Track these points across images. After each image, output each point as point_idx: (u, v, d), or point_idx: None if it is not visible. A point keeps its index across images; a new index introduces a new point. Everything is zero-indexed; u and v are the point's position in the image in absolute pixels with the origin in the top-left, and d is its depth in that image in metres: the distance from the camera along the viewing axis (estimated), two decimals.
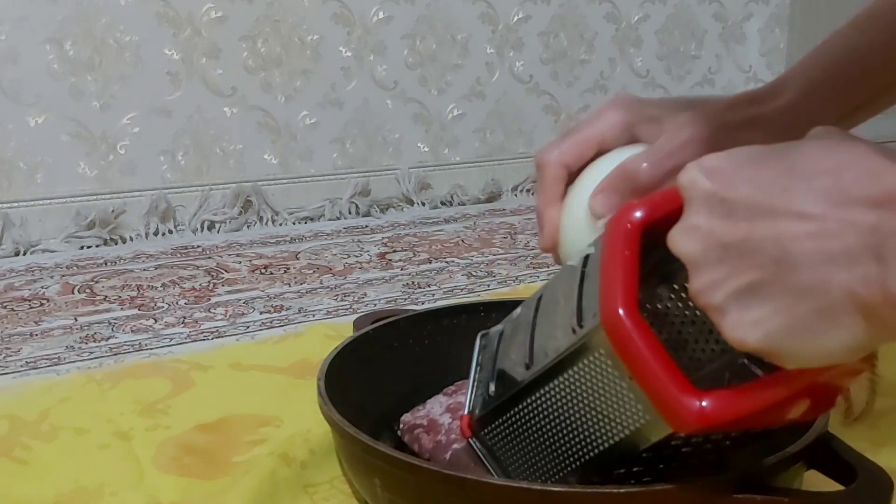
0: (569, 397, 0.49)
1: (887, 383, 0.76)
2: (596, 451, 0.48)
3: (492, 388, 0.55)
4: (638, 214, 0.45)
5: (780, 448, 0.49)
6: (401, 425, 0.63)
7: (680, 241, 0.42)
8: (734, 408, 0.42)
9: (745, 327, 0.39)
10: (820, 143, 0.40)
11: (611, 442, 0.47)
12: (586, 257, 0.48)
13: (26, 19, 1.25)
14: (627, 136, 0.61)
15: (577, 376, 0.48)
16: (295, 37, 1.43)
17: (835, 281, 0.36)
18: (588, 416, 0.48)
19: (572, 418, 0.49)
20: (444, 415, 0.61)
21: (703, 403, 0.42)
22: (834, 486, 0.49)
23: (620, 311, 0.43)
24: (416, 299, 1.06)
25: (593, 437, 0.48)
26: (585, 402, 0.48)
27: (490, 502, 0.48)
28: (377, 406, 0.64)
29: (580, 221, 0.58)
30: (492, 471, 0.54)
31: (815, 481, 0.51)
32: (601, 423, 0.47)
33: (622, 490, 0.47)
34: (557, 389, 0.49)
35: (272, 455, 0.64)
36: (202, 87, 1.38)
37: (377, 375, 0.66)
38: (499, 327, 0.58)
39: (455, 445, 0.58)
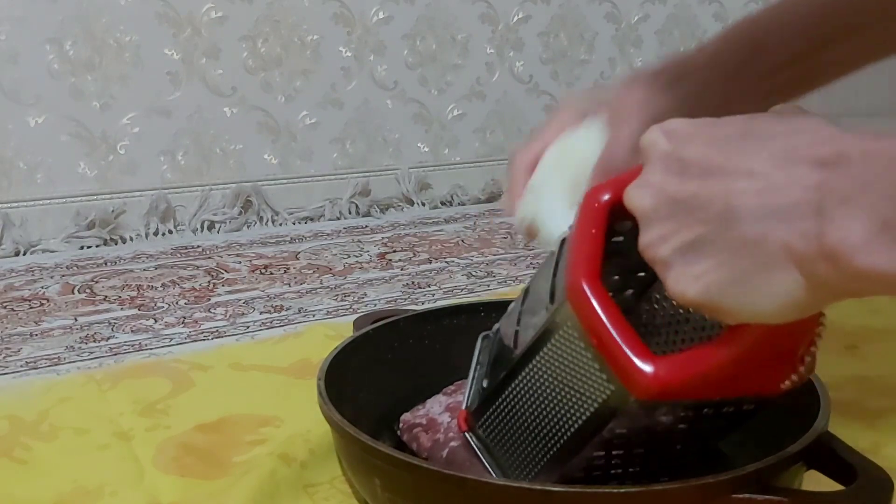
0: (545, 376, 0.50)
1: (888, 383, 0.77)
2: (571, 430, 0.48)
3: (485, 381, 0.56)
4: (605, 197, 0.46)
5: (780, 448, 0.49)
6: (400, 425, 0.63)
7: (633, 195, 0.43)
8: (689, 368, 0.43)
9: (686, 281, 0.40)
10: (777, 114, 0.42)
11: (583, 418, 0.47)
12: (563, 241, 0.49)
13: (26, 19, 1.25)
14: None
15: (550, 353, 0.49)
16: (295, 37, 1.43)
17: (773, 235, 0.37)
18: (562, 394, 0.48)
19: (548, 399, 0.49)
20: (443, 414, 0.61)
21: (659, 364, 0.43)
22: (834, 486, 0.49)
23: (582, 282, 0.45)
24: (416, 299, 1.06)
25: (568, 415, 0.48)
26: (559, 379, 0.48)
27: (490, 502, 0.48)
28: (377, 406, 0.64)
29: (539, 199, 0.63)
30: (487, 465, 0.55)
31: (815, 481, 0.51)
32: (573, 400, 0.48)
33: (622, 490, 0.47)
34: (535, 370, 0.50)
35: (272, 455, 0.64)
36: (202, 87, 1.38)
37: (377, 375, 0.66)
38: (496, 325, 0.58)
39: (453, 443, 0.58)
